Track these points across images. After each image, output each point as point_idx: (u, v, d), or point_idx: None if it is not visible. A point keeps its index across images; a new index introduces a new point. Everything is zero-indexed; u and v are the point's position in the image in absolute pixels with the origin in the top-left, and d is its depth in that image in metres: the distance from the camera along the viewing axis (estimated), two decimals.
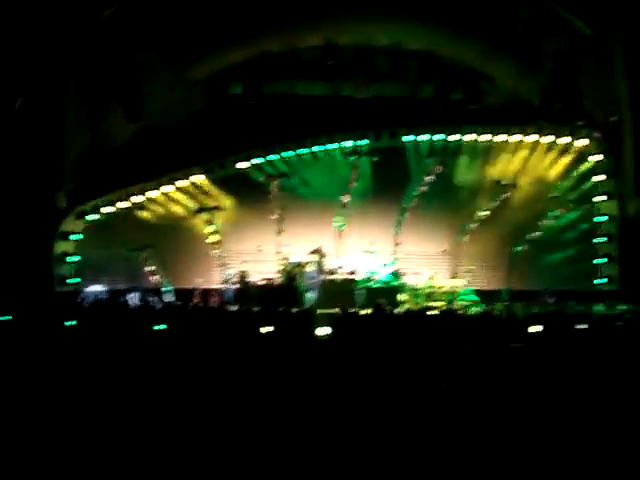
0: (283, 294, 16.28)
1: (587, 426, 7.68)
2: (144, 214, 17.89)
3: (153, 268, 17.13)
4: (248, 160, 18.06)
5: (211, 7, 17.42)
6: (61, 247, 17.46)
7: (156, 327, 12.74)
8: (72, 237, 17.50)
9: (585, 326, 13.06)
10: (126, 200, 17.77)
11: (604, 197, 18.08)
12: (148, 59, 17.89)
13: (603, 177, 18.09)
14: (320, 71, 18.72)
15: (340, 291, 16.13)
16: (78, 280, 17.44)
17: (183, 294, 16.90)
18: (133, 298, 16.24)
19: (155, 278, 17.16)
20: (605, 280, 17.99)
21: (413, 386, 9.09)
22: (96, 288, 16.95)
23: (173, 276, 17.38)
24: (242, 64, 18.59)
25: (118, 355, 10.98)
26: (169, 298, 16.90)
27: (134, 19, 17.23)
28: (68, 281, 17.38)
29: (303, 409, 8.33)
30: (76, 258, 17.51)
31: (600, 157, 18.03)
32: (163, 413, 8.08)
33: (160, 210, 18.00)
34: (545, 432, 7.49)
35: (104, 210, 17.70)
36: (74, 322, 13.09)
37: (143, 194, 17.86)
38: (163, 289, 17.04)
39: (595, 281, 18.07)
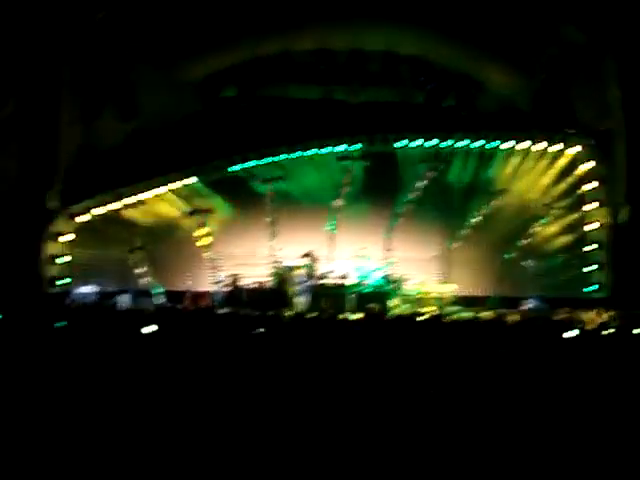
0: (274, 297, 16.28)
1: (577, 433, 7.68)
2: (136, 216, 17.85)
3: (144, 270, 17.10)
4: (241, 163, 18.06)
5: (206, 9, 17.39)
6: (51, 248, 17.41)
7: (145, 329, 12.71)
8: (62, 238, 17.46)
9: (575, 333, 13.07)
10: (118, 201, 17.74)
11: (595, 204, 18.12)
12: (141, 60, 17.86)
13: (595, 184, 18.14)
14: (313, 75, 18.74)
15: (331, 295, 16.15)
16: (68, 281, 17.39)
17: (174, 296, 16.88)
18: (123, 300, 16.22)
19: (146, 280, 17.13)
20: (596, 287, 18.03)
21: (401, 391, 9.08)
22: (86, 289, 16.91)
23: (164, 278, 17.37)
24: (236, 67, 18.61)
25: (107, 357, 10.94)
26: (160, 300, 16.88)
27: (128, 21, 17.20)
28: (58, 282, 17.34)
29: (293, 412, 8.32)
30: (66, 259, 17.45)
31: (592, 164, 18.09)
32: (153, 416, 8.05)
33: (152, 212, 17.96)
34: (536, 439, 7.49)
35: (95, 211, 17.67)
36: (64, 323, 13.04)
37: (135, 196, 17.83)
38: (154, 291, 17.01)
39: (586, 288, 18.10)
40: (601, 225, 18.10)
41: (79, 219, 17.67)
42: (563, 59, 17.82)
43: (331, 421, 7.95)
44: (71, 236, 17.59)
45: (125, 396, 8.74)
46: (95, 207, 17.67)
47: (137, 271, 17.10)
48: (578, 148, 18.11)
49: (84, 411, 8.12)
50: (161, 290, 17.06)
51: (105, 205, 17.70)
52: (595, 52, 17.43)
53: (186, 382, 9.45)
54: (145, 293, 16.80)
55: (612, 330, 13.60)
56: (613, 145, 17.51)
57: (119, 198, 17.75)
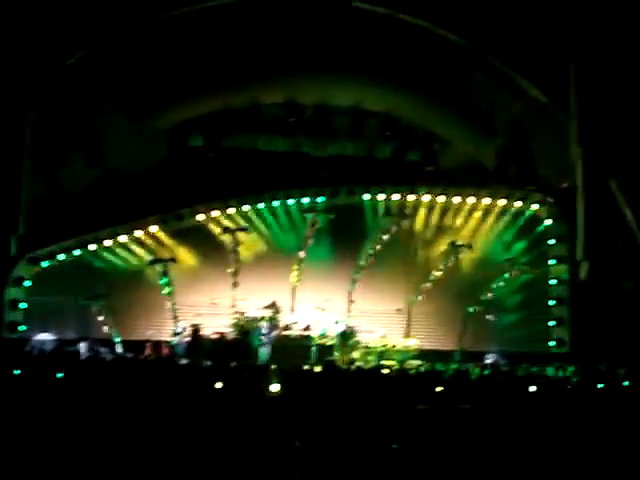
0: (236, 349, 16.15)
1: None
2: (99, 263, 17.71)
3: (105, 318, 16.91)
4: (205, 212, 18.05)
5: (177, 59, 17.52)
6: (13, 293, 17.19)
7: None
8: (25, 283, 17.26)
9: (535, 388, 13.14)
10: (81, 248, 17.61)
11: (556, 261, 18.34)
12: (110, 107, 17.88)
13: (555, 241, 18.40)
14: (281, 127, 18.89)
15: (294, 347, 16.07)
16: (26, 327, 17.12)
17: (134, 346, 16.68)
18: (83, 348, 15.98)
19: (106, 328, 16.94)
20: (557, 343, 18.15)
21: (363, 445, 9.03)
22: (46, 336, 16.64)
23: (124, 327, 17.17)
24: (204, 117, 18.70)
25: (64, 405, 10.77)
26: (120, 349, 16.67)
27: (97, 68, 17.26)
28: (18, 328, 17.08)
29: (252, 465, 8.24)
30: (27, 304, 17.22)
31: (553, 222, 18.38)
32: (109, 463, 7.93)
33: (115, 259, 17.83)
34: None
35: (59, 257, 17.51)
36: (19, 371, 12.83)
37: (99, 242, 17.71)
38: (114, 340, 16.81)
39: (547, 343, 18.20)
40: (561, 281, 18.29)
41: (42, 264, 17.47)
42: (526, 118, 18.19)
43: (292, 472, 7.88)
44: (33, 281, 17.35)
45: (82, 442, 8.60)
46: (59, 253, 17.49)
47: (98, 319, 16.89)
48: (538, 205, 18.41)
49: (40, 456, 7.98)
50: (121, 339, 16.85)
51: (69, 251, 17.53)
52: (557, 111, 17.80)
53: (144, 431, 9.33)
54: (105, 342, 16.57)
55: (573, 385, 13.73)
56: (573, 203, 17.78)
57: (83, 244, 17.59)
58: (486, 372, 15.16)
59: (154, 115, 18.39)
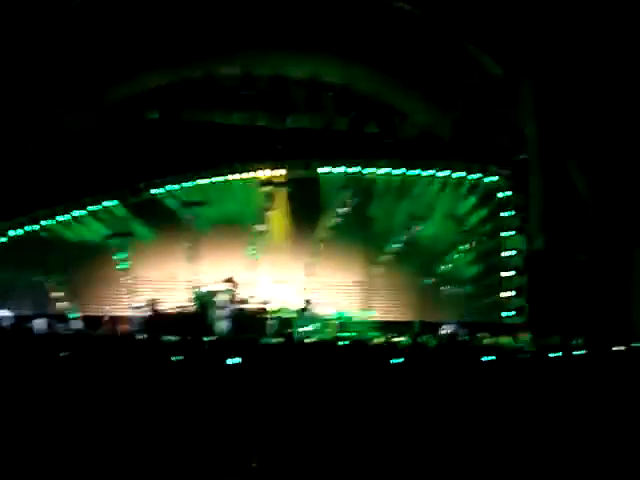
0: (194, 322, 16.11)
1: (492, 458, 7.80)
2: (53, 239, 17.52)
3: (61, 294, 16.76)
4: (162, 186, 17.91)
5: (132, 30, 17.29)
6: None
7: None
8: None
9: (493, 358, 13.30)
10: (35, 224, 17.39)
11: (512, 232, 18.53)
12: (64, 81, 17.61)
13: (511, 213, 18.57)
14: (237, 100, 18.76)
15: (252, 320, 16.08)
16: None
17: (92, 321, 16.56)
18: (39, 324, 15.83)
19: (62, 304, 16.79)
20: (513, 313, 18.36)
21: (321, 416, 9.09)
22: (1, 313, 16.46)
23: (81, 303, 17.03)
24: (160, 89, 18.51)
25: (22, 382, 10.68)
26: (76, 325, 16.53)
27: (52, 39, 16.97)
28: None
29: (212, 440, 8.25)
30: None
31: (509, 193, 18.54)
32: (66, 440, 7.88)
33: (70, 235, 17.64)
34: (454, 462, 7.59)
35: (12, 233, 17.28)
36: None
37: (53, 218, 17.50)
38: (70, 316, 16.67)
39: (503, 314, 18.42)
40: (518, 252, 18.49)
41: None
42: (481, 90, 18.28)
43: (250, 444, 7.91)
44: None
45: (38, 421, 8.54)
46: (12, 229, 17.26)
47: (54, 295, 16.73)
48: (495, 177, 18.55)
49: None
50: (78, 315, 16.72)
51: (22, 227, 17.30)
52: (512, 83, 17.91)
53: (103, 407, 9.29)
54: (62, 318, 16.43)
55: (528, 354, 13.93)
56: (529, 175, 17.95)
57: (37, 220, 17.37)
58: (443, 342, 15.31)
59: (110, 88, 18.15)
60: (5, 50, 16.83)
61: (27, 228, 17.38)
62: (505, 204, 18.59)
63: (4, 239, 17.33)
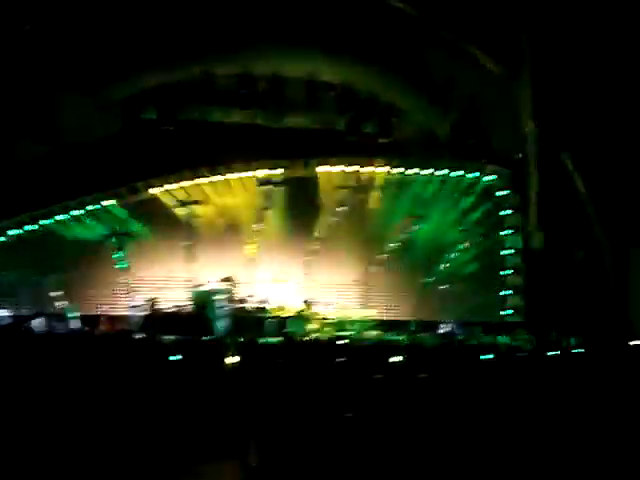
0: (192, 322, 16.11)
1: (490, 457, 7.80)
2: (53, 238, 17.50)
3: (59, 293, 16.75)
4: (161, 186, 17.91)
5: (130, 30, 17.27)
6: None
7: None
8: None
9: (490, 357, 13.31)
10: (34, 223, 17.38)
11: (510, 231, 18.55)
12: (63, 77, 17.59)
13: (509, 212, 18.60)
14: (235, 99, 18.76)
15: (250, 320, 16.09)
16: None
17: (90, 320, 16.56)
18: (37, 323, 15.83)
19: (61, 303, 16.78)
20: (511, 312, 18.39)
21: (319, 415, 9.09)
22: (0, 312, 16.47)
23: (80, 302, 17.03)
24: (158, 89, 18.49)
25: (20, 381, 10.67)
26: (75, 324, 16.53)
27: (49, 38, 16.95)
28: None
29: (211, 439, 8.25)
30: None
31: (507, 192, 18.56)
32: (65, 440, 7.88)
33: (69, 234, 17.62)
34: (451, 464, 7.59)
35: (11, 232, 17.28)
36: None
37: (52, 217, 17.49)
38: (69, 315, 16.67)
39: (502, 312, 18.45)
40: (516, 251, 18.51)
41: None
42: (481, 89, 18.28)
43: (250, 444, 7.91)
44: None
45: (37, 420, 8.54)
46: (11, 228, 17.25)
47: (52, 294, 16.72)
48: (493, 176, 18.57)
49: None
50: (76, 314, 16.71)
51: (21, 226, 17.29)
52: (511, 83, 17.92)
53: (101, 406, 9.28)
54: (60, 317, 16.43)
55: (526, 353, 13.94)
56: (527, 174, 17.97)
57: (36, 219, 17.37)
58: (441, 341, 15.33)
59: (108, 87, 18.13)
60: (3, 49, 16.80)
61: (25, 227, 17.33)
62: (503, 203, 18.64)
63: (2, 238, 17.29)
